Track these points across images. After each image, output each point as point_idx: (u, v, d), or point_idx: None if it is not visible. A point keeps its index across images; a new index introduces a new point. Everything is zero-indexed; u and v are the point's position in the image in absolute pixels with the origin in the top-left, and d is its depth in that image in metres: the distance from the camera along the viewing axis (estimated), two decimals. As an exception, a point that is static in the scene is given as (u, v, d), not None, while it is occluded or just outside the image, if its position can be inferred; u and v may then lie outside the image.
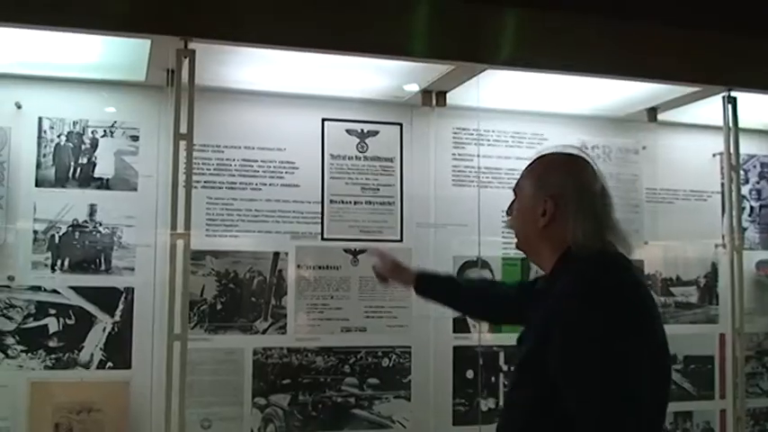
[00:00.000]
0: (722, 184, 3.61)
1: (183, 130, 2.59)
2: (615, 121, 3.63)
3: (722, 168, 3.47)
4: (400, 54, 2.83)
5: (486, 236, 3.17)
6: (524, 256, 2.08)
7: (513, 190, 2.00)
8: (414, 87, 3.23)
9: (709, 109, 3.33)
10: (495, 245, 2.93)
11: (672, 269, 3.68)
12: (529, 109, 3.50)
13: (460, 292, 2.55)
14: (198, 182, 3.06)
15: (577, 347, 1.64)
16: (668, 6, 2.97)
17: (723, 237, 3.52)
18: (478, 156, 3.39)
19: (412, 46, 2.82)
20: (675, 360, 3.60)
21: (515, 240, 2.01)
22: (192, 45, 2.57)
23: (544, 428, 1.72)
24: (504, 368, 3.37)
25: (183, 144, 2.58)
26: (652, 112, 3.57)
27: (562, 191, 1.85)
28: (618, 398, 1.61)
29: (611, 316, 1.65)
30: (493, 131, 3.48)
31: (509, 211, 2.01)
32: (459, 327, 3.36)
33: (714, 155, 3.68)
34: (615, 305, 1.67)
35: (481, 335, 3.34)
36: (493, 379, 3.36)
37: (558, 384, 1.65)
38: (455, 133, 3.45)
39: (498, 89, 3.21)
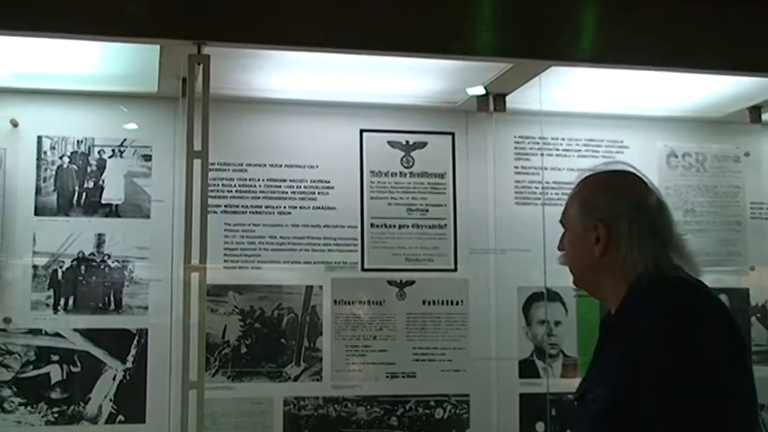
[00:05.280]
0: None
1: (198, 146, 2.58)
2: (710, 123, 3.54)
3: None
4: (452, 52, 2.77)
5: (554, 262, 3.10)
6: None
7: (561, 222, 2.00)
8: (478, 90, 3.17)
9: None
10: (566, 274, 2.86)
11: (785, 298, 3.51)
12: (604, 112, 3.43)
13: None
14: (217, 206, 3.10)
15: (675, 391, 1.66)
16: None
17: None
18: (543, 168, 3.32)
19: (465, 42, 2.77)
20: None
21: (572, 278, 1.99)
22: (206, 50, 2.57)
23: None
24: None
25: (197, 163, 2.57)
26: (755, 112, 3.46)
27: (613, 212, 1.87)
28: None
29: (713, 348, 1.69)
30: (562, 139, 3.42)
31: (560, 246, 2.01)
32: (527, 371, 3.30)
33: (837, 160, 3.55)
34: (714, 335, 1.71)
35: (552, 380, 3.26)
36: (567, 432, 3.27)
37: (654, 428, 1.67)
38: (517, 142, 3.40)
39: (567, 89, 3.16)
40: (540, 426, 3.26)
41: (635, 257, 1.83)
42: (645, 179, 1.95)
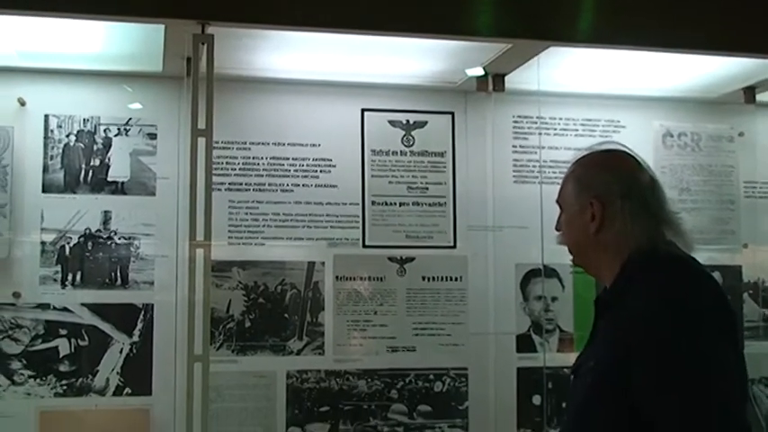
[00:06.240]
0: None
1: (202, 125, 2.58)
2: (705, 103, 3.54)
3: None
4: (451, 32, 2.77)
5: (552, 240, 3.10)
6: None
7: (557, 202, 2.02)
8: (477, 71, 3.17)
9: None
10: (563, 250, 2.88)
11: (777, 276, 3.52)
12: (601, 92, 3.43)
13: None
14: (221, 184, 3.11)
15: (667, 365, 1.67)
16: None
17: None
18: (541, 147, 3.32)
19: (464, 22, 2.76)
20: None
21: (571, 257, 2.02)
22: (210, 29, 2.57)
23: None
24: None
25: (201, 141, 2.57)
26: (750, 92, 3.45)
27: (607, 189, 1.88)
28: (712, 409, 1.65)
29: (702, 320, 1.70)
30: (560, 119, 3.43)
31: (558, 226, 2.03)
32: (524, 345, 3.31)
33: (828, 141, 3.54)
34: (703, 308, 1.72)
35: (548, 355, 3.28)
36: (563, 405, 3.26)
37: (644, 402, 1.68)
38: (515, 122, 3.39)
39: (565, 70, 3.17)
40: (536, 399, 3.30)
41: (628, 233, 1.85)
42: (637, 158, 1.96)
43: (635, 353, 1.70)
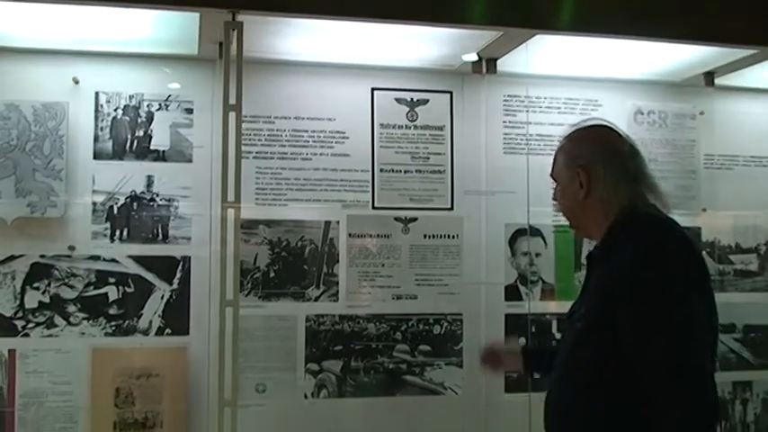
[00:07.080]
0: (785, 149, 3.54)
1: (233, 101, 2.64)
2: (671, 86, 3.57)
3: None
4: (450, 21, 2.80)
5: (536, 204, 3.12)
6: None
7: (551, 176, 2.06)
8: (472, 56, 3.21)
9: (769, 72, 3.23)
10: (546, 213, 2.91)
11: (731, 236, 3.62)
12: (581, 75, 3.46)
13: None
14: (249, 152, 3.15)
15: (649, 307, 1.71)
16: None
17: (785, 203, 3.46)
18: (528, 123, 3.37)
19: (463, 12, 2.77)
20: (734, 329, 3.54)
21: (568, 222, 2.09)
22: (239, 17, 2.63)
23: (611, 387, 1.79)
24: (557, 336, 3.33)
25: (232, 115, 2.63)
26: (709, 77, 3.47)
27: (590, 159, 1.93)
28: (688, 348, 1.69)
29: (676, 273, 1.74)
30: (544, 98, 3.47)
31: (554, 197, 2.07)
32: (511, 294, 3.38)
33: (776, 119, 3.57)
34: (678, 263, 1.77)
35: (532, 303, 3.36)
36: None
37: (627, 342, 1.73)
38: (506, 101, 3.43)
39: (550, 55, 3.20)
40: (521, 341, 3.32)
41: (611, 196, 1.91)
42: (619, 130, 2.01)
43: (620, 305, 1.75)
